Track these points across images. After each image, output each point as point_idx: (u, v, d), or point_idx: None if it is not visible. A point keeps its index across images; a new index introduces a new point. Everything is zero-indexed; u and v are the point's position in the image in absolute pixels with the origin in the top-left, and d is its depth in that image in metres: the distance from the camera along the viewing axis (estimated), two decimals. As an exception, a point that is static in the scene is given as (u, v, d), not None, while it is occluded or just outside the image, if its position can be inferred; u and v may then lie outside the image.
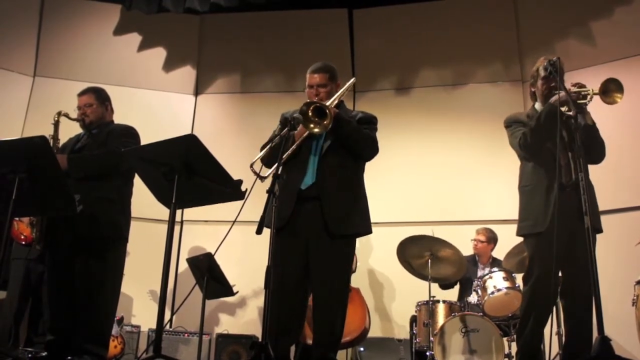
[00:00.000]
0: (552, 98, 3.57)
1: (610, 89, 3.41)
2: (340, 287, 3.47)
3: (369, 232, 3.58)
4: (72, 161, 3.82)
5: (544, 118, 3.55)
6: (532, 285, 3.61)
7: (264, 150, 3.49)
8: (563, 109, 3.62)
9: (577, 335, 3.49)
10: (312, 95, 3.60)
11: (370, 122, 3.66)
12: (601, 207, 5.59)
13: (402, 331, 6.10)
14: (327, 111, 3.29)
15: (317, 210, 3.42)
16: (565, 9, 6.60)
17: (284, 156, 3.32)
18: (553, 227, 3.44)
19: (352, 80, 3.72)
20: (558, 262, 3.45)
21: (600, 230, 3.61)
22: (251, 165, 3.31)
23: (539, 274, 3.56)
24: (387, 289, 6.53)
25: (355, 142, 3.51)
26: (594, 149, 3.59)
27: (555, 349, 4.77)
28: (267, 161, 3.48)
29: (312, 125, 3.32)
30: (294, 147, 3.45)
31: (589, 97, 3.48)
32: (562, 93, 3.48)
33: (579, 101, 3.50)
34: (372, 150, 3.57)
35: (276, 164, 3.25)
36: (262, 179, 3.33)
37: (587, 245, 3.04)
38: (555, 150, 3.55)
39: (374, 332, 5.89)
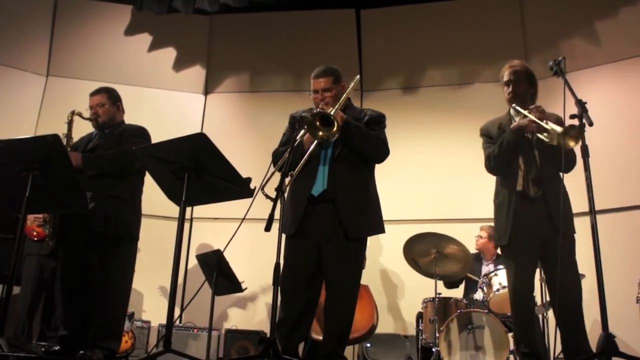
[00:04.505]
0: (513, 125, 3.65)
1: (571, 135, 3.40)
2: (352, 286, 3.50)
3: (382, 231, 3.61)
4: (86, 160, 3.86)
5: (505, 146, 3.63)
6: (510, 292, 3.70)
7: (278, 164, 3.49)
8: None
9: (572, 339, 3.48)
10: (318, 101, 3.60)
11: (378, 122, 3.66)
12: (607, 206, 5.65)
13: (408, 327, 6.15)
14: (334, 119, 3.29)
15: (330, 211, 3.44)
16: (571, 8, 6.61)
17: (295, 164, 3.34)
18: (514, 240, 3.56)
19: (356, 78, 3.70)
20: (530, 270, 3.61)
21: (574, 231, 3.61)
22: (262, 189, 3.28)
23: (511, 281, 3.66)
24: (393, 285, 6.57)
25: (366, 146, 3.52)
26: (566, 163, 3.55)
27: (559, 346, 4.80)
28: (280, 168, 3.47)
29: (320, 134, 3.32)
30: (305, 157, 3.43)
31: (549, 135, 3.52)
32: (524, 121, 3.58)
33: (537, 134, 3.58)
34: (383, 153, 3.59)
35: (288, 164, 3.28)
36: (273, 200, 3.21)
37: (560, 252, 3.21)
38: (518, 165, 3.63)
39: (381, 328, 5.91)
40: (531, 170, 3.60)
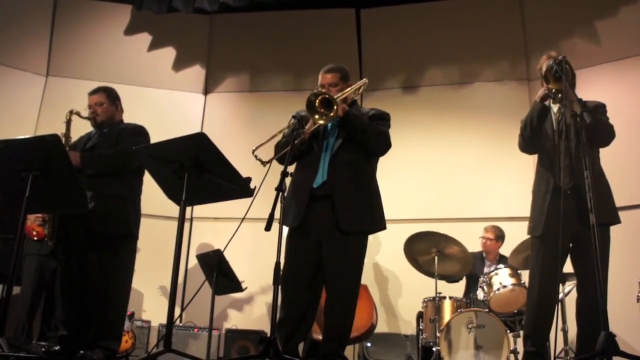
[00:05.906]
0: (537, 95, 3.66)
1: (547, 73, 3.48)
2: (352, 285, 3.50)
3: (382, 228, 3.60)
4: (85, 159, 3.85)
5: (529, 118, 3.66)
6: (531, 286, 3.69)
7: (279, 153, 3.54)
8: (555, 108, 3.68)
9: (588, 334, 3.45)
10: None
11: (382, 118, 3.67)
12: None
13: (408, 327, 6.13)
14: (334, 103, 3.33)
15: (329, 209, 3.44)
16: (571, 8, 6.61)
17: (294, 150, 3.36)
18: (547, 232, 3.54)
19: (363, 80, 3.73)
20: (557, 266, 3.54)
21: (612, 222, 3.61)
22: (253, 152, 3.36)
23: (537, 275, 3.63)
24: (394, 285, 6.57)
25: (367, 136, 3.53)
26: (601, 134, 3.57)
27: (561, 345, 4.81)
28: (280, 159, 3.51)
29: (317, 117, 3.36)
30: (303, 136, 3.47)
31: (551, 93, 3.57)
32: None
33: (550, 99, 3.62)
34: (384, 144, 3.59)
35: (286, 161, 3.30)
36: (265, 163, 3.37)
37: (596, 244, 3.07)
38: (554, 153, 3.60)
39: (381, 327, 5.92)
40: (565, 159, 3.56)
